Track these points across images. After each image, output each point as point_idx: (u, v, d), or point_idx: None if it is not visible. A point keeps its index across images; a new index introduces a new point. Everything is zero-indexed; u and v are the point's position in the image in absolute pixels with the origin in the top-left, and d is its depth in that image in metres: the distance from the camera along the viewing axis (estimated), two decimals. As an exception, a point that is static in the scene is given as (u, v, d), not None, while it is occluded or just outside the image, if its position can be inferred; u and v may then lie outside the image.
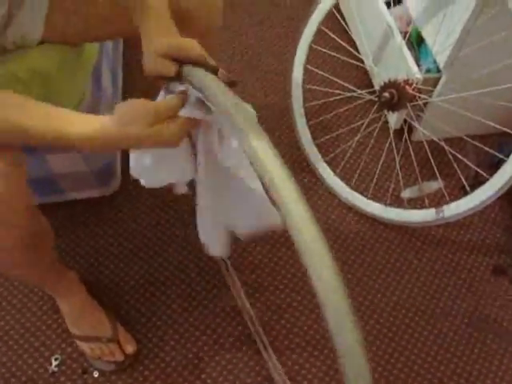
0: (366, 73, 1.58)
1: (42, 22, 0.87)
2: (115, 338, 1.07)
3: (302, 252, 0.44)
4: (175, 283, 1.19)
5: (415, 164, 1.35)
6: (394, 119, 1.37)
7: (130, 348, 1.08)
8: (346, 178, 1.37)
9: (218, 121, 0.67)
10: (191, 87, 0.65)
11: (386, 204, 1.29)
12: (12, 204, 0.69)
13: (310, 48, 1.36)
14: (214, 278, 1.20)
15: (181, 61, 0.67)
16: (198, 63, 0.65)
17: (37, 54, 0.89)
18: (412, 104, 1.22)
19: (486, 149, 1.23)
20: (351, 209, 1.32)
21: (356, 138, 1.41)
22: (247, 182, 0.72)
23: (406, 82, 1.20)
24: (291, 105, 1.41)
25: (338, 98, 1.49)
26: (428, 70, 1.27)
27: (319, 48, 1.47)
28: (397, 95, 1.19)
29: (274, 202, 0.47)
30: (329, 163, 1.38)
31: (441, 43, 1.21)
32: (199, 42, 0.68)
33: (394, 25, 1.36)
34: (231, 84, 0.62)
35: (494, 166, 1.15)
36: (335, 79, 1.52)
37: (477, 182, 1.14)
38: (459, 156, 1.27)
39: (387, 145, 1.40)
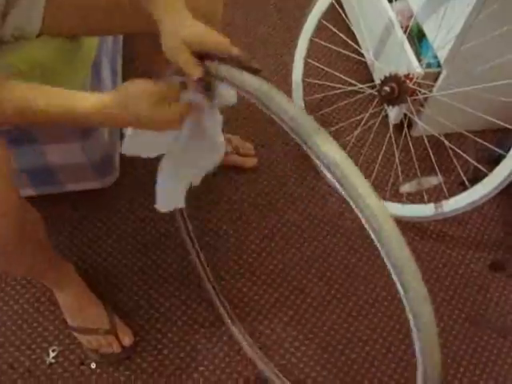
0: (366, 67, 1.58)
1: (39, 15, 0.86)
2: (113, 330, 1.07)
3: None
4: (173, 275, 1.19)
5: (415, 159, 1.35)
6: (393, 114, 1.37)
7: (128, 340, 1.08)
8: (345, 173, 1.36)
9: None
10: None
11: (385, 198, 1.29)
12: None
13: (311, 42, 1.36)
14: (213, 270, 1.19)
15: (206, 55, 0.65)
16: (231, 61, 0.64)
17: (36, 46, 0.89)
18: (412, 98, 1.22)
19: (486, 144, 1.23)
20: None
21: (356, 133, 1.41)
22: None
23: (407, 76, 1.20)
24: (291, 98, 1.40)
25: (338, 91, 1.48)
26: (429, 65, 1.26)
27: (320, 42, 1.46)
28: (397, 89, 1.18)
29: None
30: (328, 157, 1.37)
31: (442, 38, 1.20)
32: None
33: (395, 19, 1.35)
34: (255, 71, 0.62)
35: (494, 161, 1.15)
36: (335, 73, 1.52)
37: (476, 178, 1.14)
38: (459, 151, 1.27)
39: (387, 139, 1.40)
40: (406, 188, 1.35)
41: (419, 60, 1.27)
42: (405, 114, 1.34)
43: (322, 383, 1.07)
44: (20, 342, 1.09)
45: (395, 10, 1.38)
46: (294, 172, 1.37)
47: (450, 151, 1.29)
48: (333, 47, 1.54)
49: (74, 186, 1.21)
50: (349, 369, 1.09)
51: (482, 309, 1.18)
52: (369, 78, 1.54)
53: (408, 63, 1.26)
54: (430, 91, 1.26)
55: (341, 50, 1.54)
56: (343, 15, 1.52)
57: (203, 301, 1.16)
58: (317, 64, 1.51)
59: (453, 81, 1.23)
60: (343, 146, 1.38)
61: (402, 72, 1.21)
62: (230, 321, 1.11)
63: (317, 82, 1.53)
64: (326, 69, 1.53)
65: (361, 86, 1.40)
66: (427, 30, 1.27)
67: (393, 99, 1.20)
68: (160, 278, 1.19)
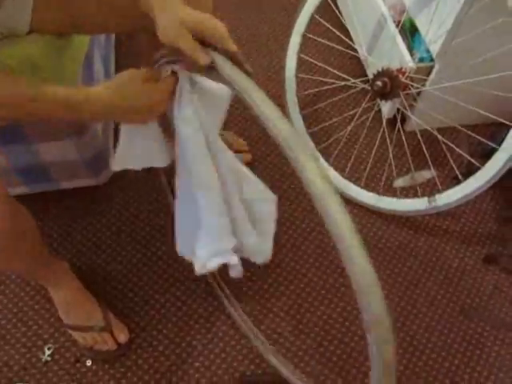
0: (359, 62, 1.58)
1: (28, 15, 0.86)
2: (108, 327, 1.07)
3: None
4: (168, 272, 1.20)
5: (408, 153, 1.36)
6: (387, 108, 1.37)
7: (123, 337, 1.08)
8: (339, 168, 1.37)
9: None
10: None
11: (378, 193, 1.29)
12: None
13: (304, 37, 1.36)
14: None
15: (202, 38, 0.66)
16: (224, 51, 0.65)
17: (26, 43, 0.89)
18: (405, 93, 1.22)
19: (479, 138, 1.24)
20: (344, 198, 1.32)
21: (349, 128, 1.41)
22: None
23: (399, 70, 1.20)
24: (284, 94, 1.40)
25: (331, 87, 1.48)
26: (421, 59, 1.26)
27: (313, 37, 1.46)
28: (389, 84, 1.18)
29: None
30: (322, 152, 1.38)
31: (434, 32, 1.20)
32: None
33: (387, 14, 1.35)
34: (247, 73, 0.63)
35: (487, 155, 1.15)
36: (329, 68, 1.52)
37: (470, 172, 1.14)
38: (452, 145, 1.28)
39: (380, 134, 1.40)
40: (399, 182, 1.36)
41: (412, 54, 1.27)
42: (398, 109, 1.34)
43: (317, 376, 1.08)
44: (15, 341, 1.09)
45: (388, 4, 1.38)
46: (288, 167, 1.37)
47: (443, 145, 1.29)
48: (326, 42, 1.54)
49: (67, 183, 1.21)
50: (344, 363, 1.10)
51: (476, 302, 1.19)
52: (362, 73, 1.54)
53: (400, 57, 1.27)
54: (423, 85, 1.26)
55: (334, 46, 1.54)
56: (336, 10, 1.52)
57: (198, 297, 1.16)
58: (310, 59, 1.51)
59: (445, 75, 1.23)
60: (337, 141, 1.41)
61: (394, 66, 1.21)
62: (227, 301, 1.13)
63: (310, 77, 1.53)
64: (319, 64, 1.53)
65: (354, 80, 1.40)
66: (419, 24, 1.27)
67: (385, 94, 1.20)
68: (154, 274, 1.19)
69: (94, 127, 1.11)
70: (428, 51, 1.26)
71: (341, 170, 1.36)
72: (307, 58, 1.49)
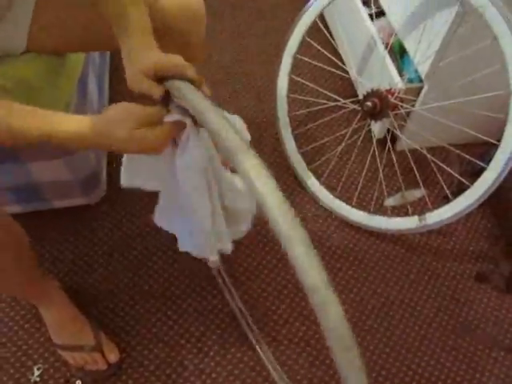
0: (350, 83, 1.60)
1: (25, 35, 0.87)
2: (98, 346, 1.06)
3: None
4: (159, 291, 1.19)
5: (398, 173, 1.37)
6: (377, 128, 1.39)
7: (114, 357, 1.07)
8: (330, 187, 1.38)
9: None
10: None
11: (369, 212, 1.30)
12: None
13: (295, 58, 1.38)
14: (199, 286, 1.19)
15: (165, 77, 0.67)
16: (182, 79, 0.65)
17: (21, 63, 0.90)
18: (394, 113, 1.24)
19: (468, 157, 1.25)
20: (336, 217, 1.33)
21: (340, 147, 1.42)
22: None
23: (389, 91, 1.22)
24: (276, 114, 1.42)
25: (322, 107, 1.50)
26: (410, 80, 1.29)
27: (304, 58, 1.49)
28: (379, 104, 1.20)
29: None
30: (313, 172, 1.39)
31: (422, 54, 1.23)
32: (183, 56, 0.68)
33: (377, 36, 1.38)
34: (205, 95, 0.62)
35: (477, 174, 1.17)
36: (320, 89, 1.54)
37: (459, 190, 1.15)
38: (442, 165, 1.29)
39: (371, 154, 1.42)
40: (390, 202, 1.37)
41: (401, 75, 1.29)
42: (388, 129, 1.36)
43: (309, 397, 1.07)
44: (4, 361, 1.08)
45: (377, 27, 1.41)
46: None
47: (433, 165, 1.31)
48: (317, 64, 1.57)
49: (60, 202, 1.21)
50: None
51: (468, 320, 1.19)
52: (353, 94, 1.56)
53: (390, 78, 1.29)
54: (412, 106, 1.28)
55: (325, 67, 1.57)
56: (326, 32, 1.55)
57: (189, 316, 1.16)
58: (301, 80, 1.53)
59: (434, 95, 1.25)
60: (328, 161, 1.42)
61: (384, 87, 1.23)
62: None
63: (302, 97, 1.55)
64: (310, 85, 1.56)
65: (344, 101, 1.42)
66: (408, 46, 1.30)
67: (375, 114, 1.22)
68: (146, 293, 1.19)
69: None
70: (417, 72, 1.28)
71: (332, 189, 1.37)
72: (299, 78, 1.52)
